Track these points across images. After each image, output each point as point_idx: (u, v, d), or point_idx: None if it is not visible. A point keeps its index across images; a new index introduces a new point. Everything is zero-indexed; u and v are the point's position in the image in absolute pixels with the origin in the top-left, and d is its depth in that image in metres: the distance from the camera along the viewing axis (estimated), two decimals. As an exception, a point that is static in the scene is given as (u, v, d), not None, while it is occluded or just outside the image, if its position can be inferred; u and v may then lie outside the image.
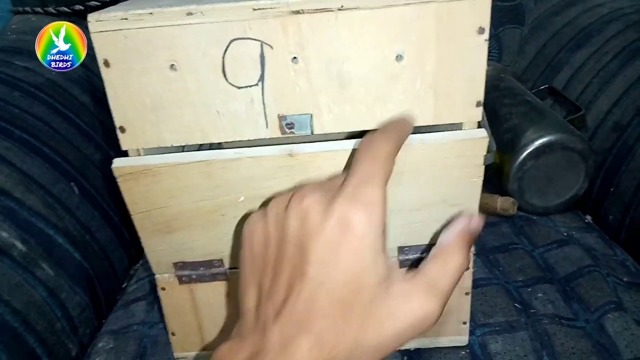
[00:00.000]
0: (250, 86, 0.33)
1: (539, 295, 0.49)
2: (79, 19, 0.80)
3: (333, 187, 0.28)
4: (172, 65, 0.32)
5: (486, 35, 0.32)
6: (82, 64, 0.72)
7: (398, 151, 0.31)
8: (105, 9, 0.32)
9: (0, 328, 0.35)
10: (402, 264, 0.39)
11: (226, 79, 0.33)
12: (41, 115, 0.56)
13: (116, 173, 0.34)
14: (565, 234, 0.59)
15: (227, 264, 0.39)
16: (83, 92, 0.65)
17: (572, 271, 0.52)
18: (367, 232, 0.26)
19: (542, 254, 0.55)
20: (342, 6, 0.31)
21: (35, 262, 0.42)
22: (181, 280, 0.40)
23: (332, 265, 0.25)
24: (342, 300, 0.25)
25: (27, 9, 0.80)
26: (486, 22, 0.32)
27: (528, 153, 0.59)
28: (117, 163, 0.34)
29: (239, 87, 0.33)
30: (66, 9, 0.79)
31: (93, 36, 0.32)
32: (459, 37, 0.32)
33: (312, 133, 0.35)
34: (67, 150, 0.54)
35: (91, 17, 0.31)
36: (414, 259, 0.39)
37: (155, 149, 0.35)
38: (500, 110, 0.66)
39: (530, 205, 0.62)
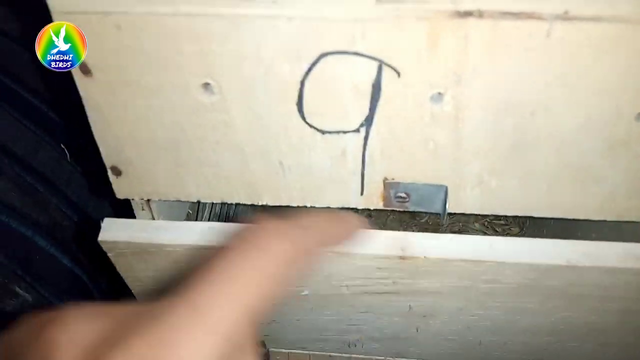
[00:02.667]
0: (346, 132, 0.18)
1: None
2: None
3: None
4: (206, 84, 0.17)
5: None
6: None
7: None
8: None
9: None
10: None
11: (302, 116, 0.18)
12: None
13: (105, 248, 0.20)
14: None
15: (271, 346, 0.27)
16: None
17: None
18: None
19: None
20: (566, 12, 0.15)
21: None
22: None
23: None
24: None
25: None
26: None
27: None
28: (106, 235, 0.20)
29: (324, 132, 0.18)
30: None
31: (56, 18, 0.16)
32: None
33: (443, 213, 0.20)
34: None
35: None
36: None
37: (170, 201, 0.21)
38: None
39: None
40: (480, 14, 0.15)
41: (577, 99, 0.16)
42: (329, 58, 0.16)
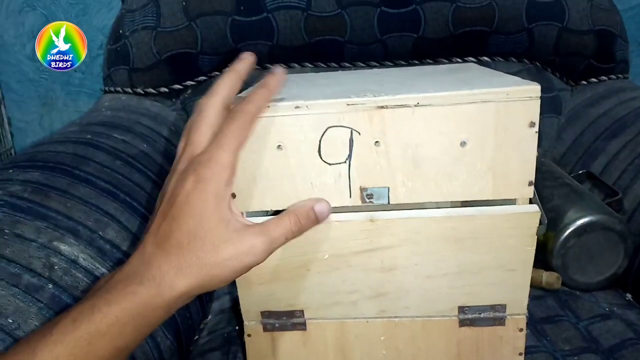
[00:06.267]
0: (340, 163, 0.41)
1: (585, 364, 0.52)
2: (164, 99, 0.91)
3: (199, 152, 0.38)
4: (279, 145, 0.40)
5: (536, 128, 0.39)
6: (165, 138, 0.82)
7: (259, 113, 0.39)
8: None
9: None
10: (461, 323, 0.44)
11: (321, 157, 0.41)
12: (137, 181, 0.65)
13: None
14: (607, 309, 0.62)
15: (307, 315, 0.45)
16: (168, 163, 0.74)
17: (616, 343, 0.55)
18: (212, 184, 0.35)
19: (587, 327, 0.59)
20: (418, 103, 0.39)
21: (139, 307, 0.49)
22: (265, 328, 0.46)
23: (185, 207, 0.35)
24: (188, 230, 0.35)
25: (118, 89, 0.92)
26: (536, 118, 0.39)
27: (571, 231, 0.64)
28: None
29: (330, 164, 0.41)
30: (153, 90, 0.91)
31: (220, 122, 0.40)
32: (513, 129, 0.39)
33: (388, 203, 0.42)
34: (158, 213, 0.63)
35: (221, 107, 0.40)
36: (473, 319, 0.44)
37: (255, 212, 0.43)
38: (543, 192, 0.72)
39: (573, 280, 0.66)
40: (387, 107, 0.39)
41: (433, 139, 0.40)
42: (331, 129, 0.40)
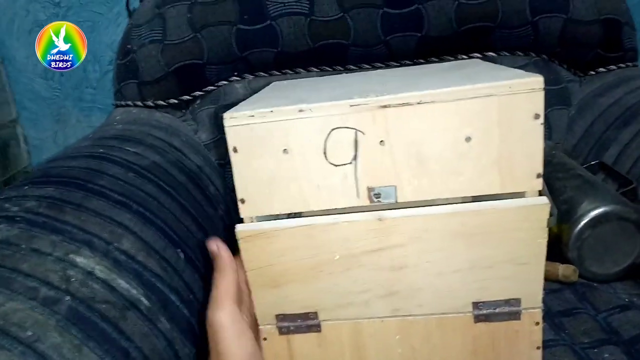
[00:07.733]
0: (346, 164, 0.41)
1: (606, 356, 0.52)
2: (174, 110, 0.92)
3: None
4: (284, 149, 0.41)
5: (541, 119, 0.39)
6: (176, 148, 0.83)
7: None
8: (235, 108, 0.42)
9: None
10: (476, 319, 0.44)
11: (326, 159, 0.41)
12: (150, 192, 0.66)
13: (239, 236, 0.42)
14: (626, 299, 0.61)
15: (320, 317, 0.45)
16: (179, 172, 0.75)
17: (637, 334, 0.55)
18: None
19: (606, 318, 0.58)
20: (420, 101, 0.39)
21: (156, 316, 0.49)
22: (281, 331, 0.46)
23: None
24: None
25: (129, 102, 0.94)
26: (541, 110, 0.39)
27: (585, 223, 0.64)
28: (240, 228, 0.42)
29: (336, 165, 0.41)
30: (162, 102, 0.92)
31: (227, 129, 0.41)
32: (518, 122, 0.39)
33: (396, 201, 0.42)
34: (172, 222, 0.63)
35: (226, 115, 0.40)
36: (488, 314, 0.44)
37: (265, 216, 0.43)
38: (555, 184, 0.71)
39: (590, 272, 0.65)
40: (389, 106, 0.39)
41: (437, 135, 0.40)
42: (335, 130, 0.40)
